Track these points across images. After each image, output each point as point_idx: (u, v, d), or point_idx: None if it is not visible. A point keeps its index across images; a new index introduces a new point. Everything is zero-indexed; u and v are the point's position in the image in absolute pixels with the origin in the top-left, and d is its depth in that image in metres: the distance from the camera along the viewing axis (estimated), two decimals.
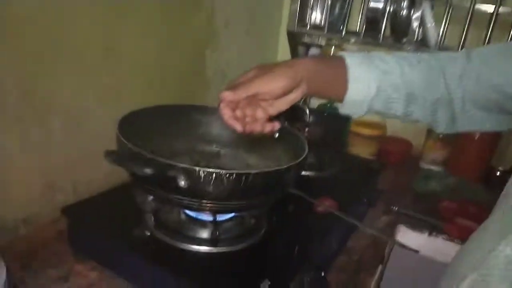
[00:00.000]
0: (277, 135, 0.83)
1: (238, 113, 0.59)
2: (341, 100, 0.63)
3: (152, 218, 0.70)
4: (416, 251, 0.89)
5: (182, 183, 0.57)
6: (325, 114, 1.17)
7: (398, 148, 1.38)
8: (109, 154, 0.55)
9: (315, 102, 1.39)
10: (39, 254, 0.75)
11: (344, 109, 0.64)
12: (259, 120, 0.61)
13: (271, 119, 0.62)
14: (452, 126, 0.63)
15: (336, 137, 1.08)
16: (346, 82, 0.60)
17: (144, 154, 0.58)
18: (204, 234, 0.69)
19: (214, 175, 0.57)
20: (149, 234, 0.68)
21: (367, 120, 1.38)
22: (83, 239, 0.73)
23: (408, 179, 1.23)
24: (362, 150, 1.28)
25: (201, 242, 0.67)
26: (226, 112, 0.59)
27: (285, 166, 0.62)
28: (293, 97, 0.60)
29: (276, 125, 0.63)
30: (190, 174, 0.57)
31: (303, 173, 0.99)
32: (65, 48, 0.80)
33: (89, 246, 0.72)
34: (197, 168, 0.57)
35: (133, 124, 0.76)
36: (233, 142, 0.88)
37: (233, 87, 0.57)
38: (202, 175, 0.57)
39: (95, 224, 0.72)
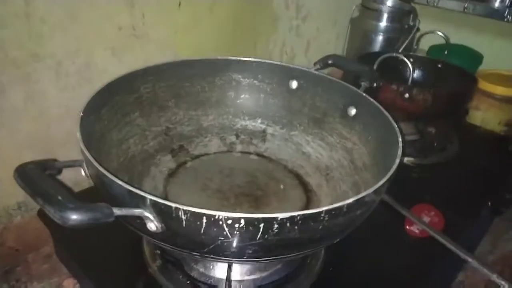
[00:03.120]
0: (353, 111, 0.53)
1: None
2: None
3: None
4: None
5: (152, 227, 0.32)
6: (439, 66, 0.79)
7: None
8: (18, 170, 0.31)
9: (424, 44, 1.00)
10: (27, 259, 0.59)
11: None
12: None
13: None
14: None
15: (455, 102, 0.70)
16: None
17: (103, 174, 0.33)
18: (220, 273, 0.45)
19: (204, 219, 0.31)
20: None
21: (502, 72, 0.96)
22: (67, 254, 0.53)
23: None
24: (489, 118, 0.88)
25: None
26: None
27: (351, 201, 0.33)
28: None
29: None
30: (163, 214, 0.31)
31: None
32: None
33: (75, 266, 0.52)
34: (173, 206, 0.30)
35: (133, 90, 0.52)
36: (286, 116, 0.59)
37: None
38: (184, 217, 0.31)
39: (84, 238, 0.51)
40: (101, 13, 0.65)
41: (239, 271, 0.45)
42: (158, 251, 0.47)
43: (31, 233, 0.63)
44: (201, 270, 0.46)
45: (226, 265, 0.43)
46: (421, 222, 0.55)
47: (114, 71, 0.68)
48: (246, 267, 0.45)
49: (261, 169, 0.55)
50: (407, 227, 0.56)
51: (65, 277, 0.57)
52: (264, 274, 0.46)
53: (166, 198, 0.49)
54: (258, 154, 0.58)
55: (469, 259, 0.52)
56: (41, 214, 0.53)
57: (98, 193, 0.37)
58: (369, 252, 0.53)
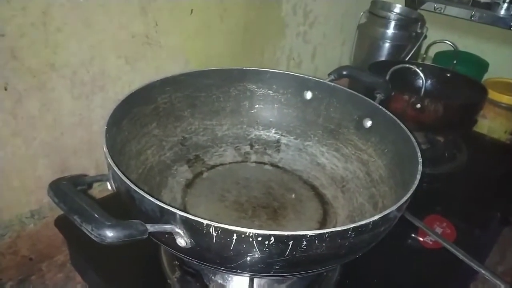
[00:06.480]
0: (369, 123, 0.54)
1: None
2: None
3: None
4: None
5: (181, 242, 0.33)
6: (448, 75, 0.80)
7: None
8: (52, 187, 0.31)
9: (432, 50, 1.01)
10: (41, 268, 0.59)
11: None
12: None
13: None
14: None
15: (466, 113, 0.70)
16: None
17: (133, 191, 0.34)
18: (238, 285, 0.45)
19: (235, 236, 0.31)
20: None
21: (508, 80, 0.97)
22: (85, 264, 0.53)
23: None
24: (495, 126, 0.89)
25: None
26: None
27: (376, 218, 0.33)
28: None
29: None
30: (194, 230, 0.32)
31: None
32: None
33: (93, 276, 0.52)
34: (204, 222, 0.31)
35: (151, 101, 0.52)
36: (300, 126, 0.59)
37: None
38: (214, 234, 0.31)
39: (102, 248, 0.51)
40: (115, 22, 0.65)
41: (257, 283, 0.45)
42: (176, 262, 0.48)
43: (44, 241, 0.63)
44: (220, 281, 0.46)
45: (246, 277, 0.44)
46: (435, 234, 0.56)
47: (127, 79, 0.70)
48: (265, 280, 0.46)
49: (277, 180, 0.56)
50: (420, 238, 0.57)
51: (80, 286, 0.57)
52: (281, 286, 0.46)
53: (185, 210, 0.50)
54: (272, 165, 0.59)
55: (482, 271, 0.53)
56: (58, 223, 0.53)
57: (120, 203, 0.37)
58: (384, 263, 0.53)
